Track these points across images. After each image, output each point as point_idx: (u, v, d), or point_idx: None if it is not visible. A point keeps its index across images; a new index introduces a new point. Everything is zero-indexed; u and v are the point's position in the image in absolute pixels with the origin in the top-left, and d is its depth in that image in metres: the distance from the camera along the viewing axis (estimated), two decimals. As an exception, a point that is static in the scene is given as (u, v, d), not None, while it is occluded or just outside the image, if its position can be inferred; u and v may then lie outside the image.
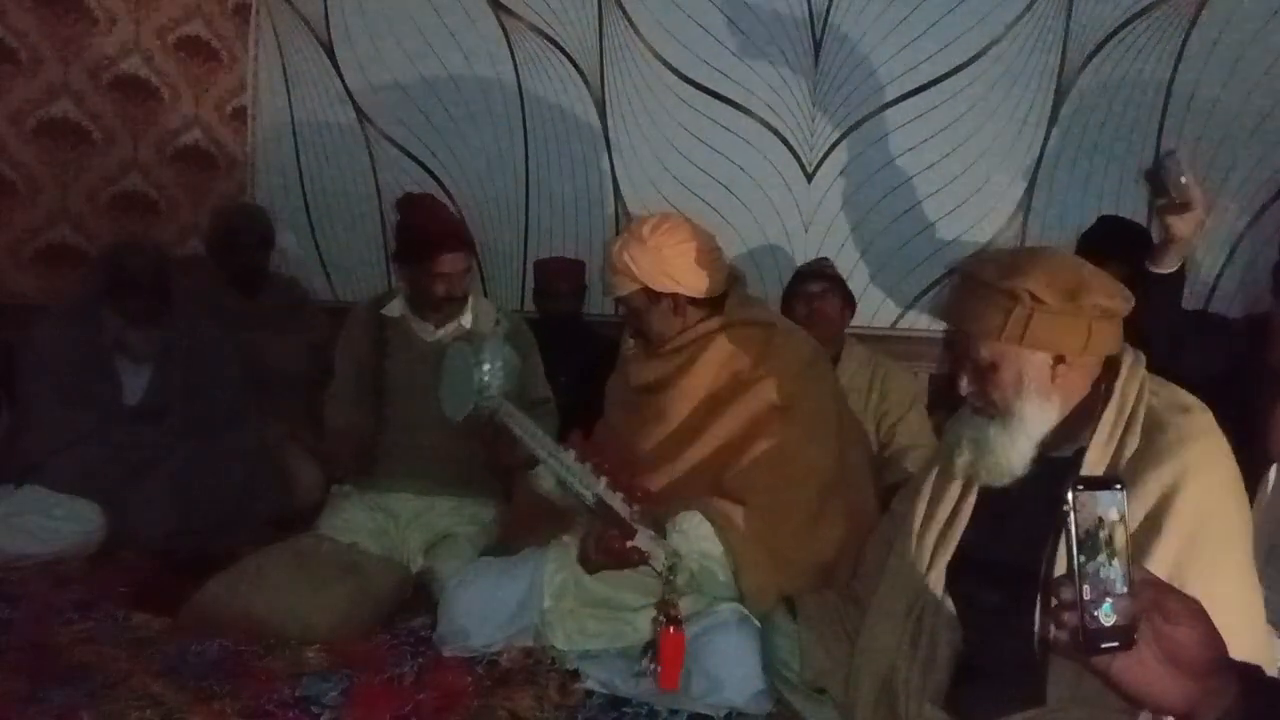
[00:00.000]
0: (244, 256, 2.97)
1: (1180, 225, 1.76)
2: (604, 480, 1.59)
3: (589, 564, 1.65)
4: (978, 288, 1.29)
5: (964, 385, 1.32)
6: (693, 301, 1.81)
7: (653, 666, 1.54)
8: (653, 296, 1.80)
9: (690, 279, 1.79)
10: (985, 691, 1.25)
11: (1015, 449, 1.28)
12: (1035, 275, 1.25)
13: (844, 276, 2.71)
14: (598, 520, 1.60)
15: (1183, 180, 1.74)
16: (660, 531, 1.61)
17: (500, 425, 1.77)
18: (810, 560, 1.67)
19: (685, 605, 1.66)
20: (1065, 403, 1.28)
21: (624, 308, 1.88)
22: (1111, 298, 1.27)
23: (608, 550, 1.57)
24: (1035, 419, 1.27)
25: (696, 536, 1.64)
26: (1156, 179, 1.79)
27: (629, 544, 1.55)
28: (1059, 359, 1.27)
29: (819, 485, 1.71)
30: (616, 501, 1.56)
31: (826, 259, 2.81)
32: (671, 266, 1.77)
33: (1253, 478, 1.32)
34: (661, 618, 1.53)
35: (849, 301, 2.62)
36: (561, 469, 1.64)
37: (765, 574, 1.64)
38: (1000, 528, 1.32)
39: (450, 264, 2.18)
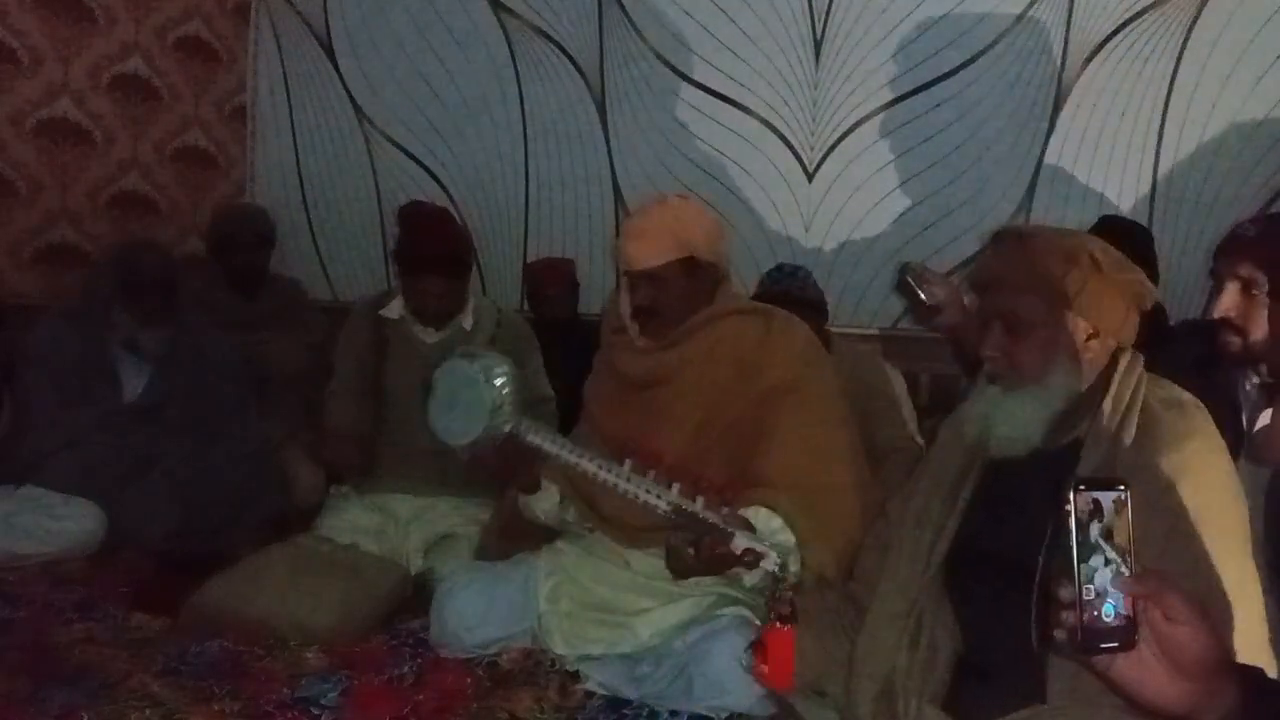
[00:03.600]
0: (243, 256, 2.96)
1: (947, 318, 1.93)
2: (676, 487, 1.49)
3: (681, 571, 1.55)
4: (1036, 245, 1.27)
5: (990, 345, 1.29)
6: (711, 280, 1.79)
7: (762, 666, 1.42)
8: (691, 268, 1.73)
9: (727, 252, 1.78)
10: (985, 690, 1.25)
11: (1033, 419, 1.26)
12: (1094, 241, 1.26)
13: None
14: (682, 529, 1.49)
15: (923, 288, 1.90)
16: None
17: (524, 444, 1.62)
18: (847, 538, 1.63)
19: (690, 608, 1.65)
20: (1084, 382, 1.27)
21: (642, 282, 1.75)
22: (1148, 282, 1.30)
23: (712, 559, 1.46)
24: (1058, 389, 1.26)
25: (769, 530, 1.57)
26: (904, 293, 1.94)
27: (733, 547, 1.44)
28: (1094, 333, 1.27)
29: (841, 463, 1.70)
30: (698, 507, 1.46)
31: (804, 270, 2.62)
32: (713, 236, 1.75)
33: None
34: (774, 616, 1.41)
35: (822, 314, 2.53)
36: (620, 481, 1.52)
37: (825, 553, 1.60)
38: (997, 522, 1.31)
39: (435, 285, 2.18)
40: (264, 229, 3.06)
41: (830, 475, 1.68)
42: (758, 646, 1.43)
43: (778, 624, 1.40)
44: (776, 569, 1.46)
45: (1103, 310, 1.26)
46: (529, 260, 3.27)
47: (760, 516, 1.60)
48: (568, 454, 1.59)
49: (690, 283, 1.76)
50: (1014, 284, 1.28)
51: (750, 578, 1.52)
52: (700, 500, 1.49)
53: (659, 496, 1.49)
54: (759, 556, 1.45)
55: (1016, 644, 1.21)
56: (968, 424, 1.32)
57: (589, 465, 1.56)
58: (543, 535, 1.85)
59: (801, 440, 1.68)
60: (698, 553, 1.47)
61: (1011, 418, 1.26)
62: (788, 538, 1.59)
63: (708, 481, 1.55)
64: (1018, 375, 1.27)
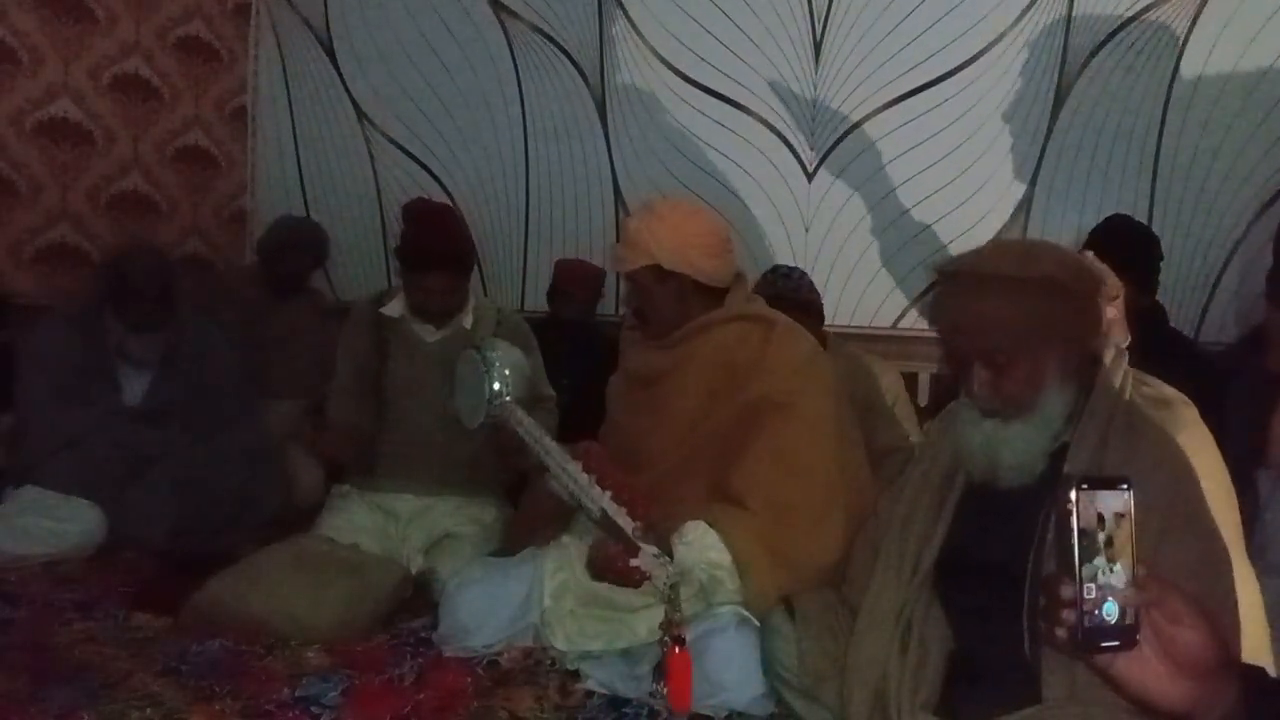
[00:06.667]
0: (294, 267, 3.09)
1: None
2: (608, 494, 1.57)
3: (594, 579, 1.64)
4: (998, 287, 1.23)
5: (976, 385, 1.26)
6: (698, 289, 1.80)
7: (663, 688, 1.51)
8: (661, 276, 1.77)
9: (701, 263, 1.77)
10: (980, 693, 1.24)
11: (1035, 445, 1.24)
12: (1051, 262, 1.24)
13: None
14: (604, 534, 1.58)
15: None
16: (665, 546, 1.60)
17: (511, 432, 1.76)
18: (814, 561, 1.65)
19: (685, 609, 1.65)
20: (1076, 392, 1.25)
21: (628, 285, 1.85)
22: (1116, 282, 1.28)
23: (610, 569, 1.56)
24: (1053, 411, 1.24)
25: (702, 546, 1.62)
26: None
27: (631, 563, 1.53)
28: (1074, 346, 1.25)
29: (821, 484, 1.69)
30: (621, 517, 1.54)
31: (800, 272, 2.63)
32: (686, 247, 1.76)
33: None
34: (666, 639, 1.48)
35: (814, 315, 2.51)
36: (568, 480, 1.62)
37: (768, 578, 1.62)
38: (986, 525, 1.30)
39: (437, 281, 2.18)
40: (316, 249, 3.19)
41: (803, 495, 1.67)
42: (658, 670, 1.50)
43: (674, 648, 1.46)
44: (665, 590, 1.51)
45: (1077, 325, 1.24)
46: (557, 258, 3.24)
47: (697, 532, 1.62)
48: (536, 446, 1.70)
49: (664, 289, 1.79)
50: (984, 327, 1.24)
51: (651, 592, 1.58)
52: (623, 511, 1.55)
53: (593, 501, 1.57)
54: (645, 576, 1.53)
55: (1008, 648, 1.20)
56: (969, 459, 1.30)
57: (547, 459, 1.68)
58: (558, 524, 1.85)
59: (778, 456, 1.68)
60: (601, 561, 1.55)
61: (1014, 448, 1.24)
62: (719, 555, 1.61)
63: (641, 494, 1.58)
64: (1011, 407, 1.25)
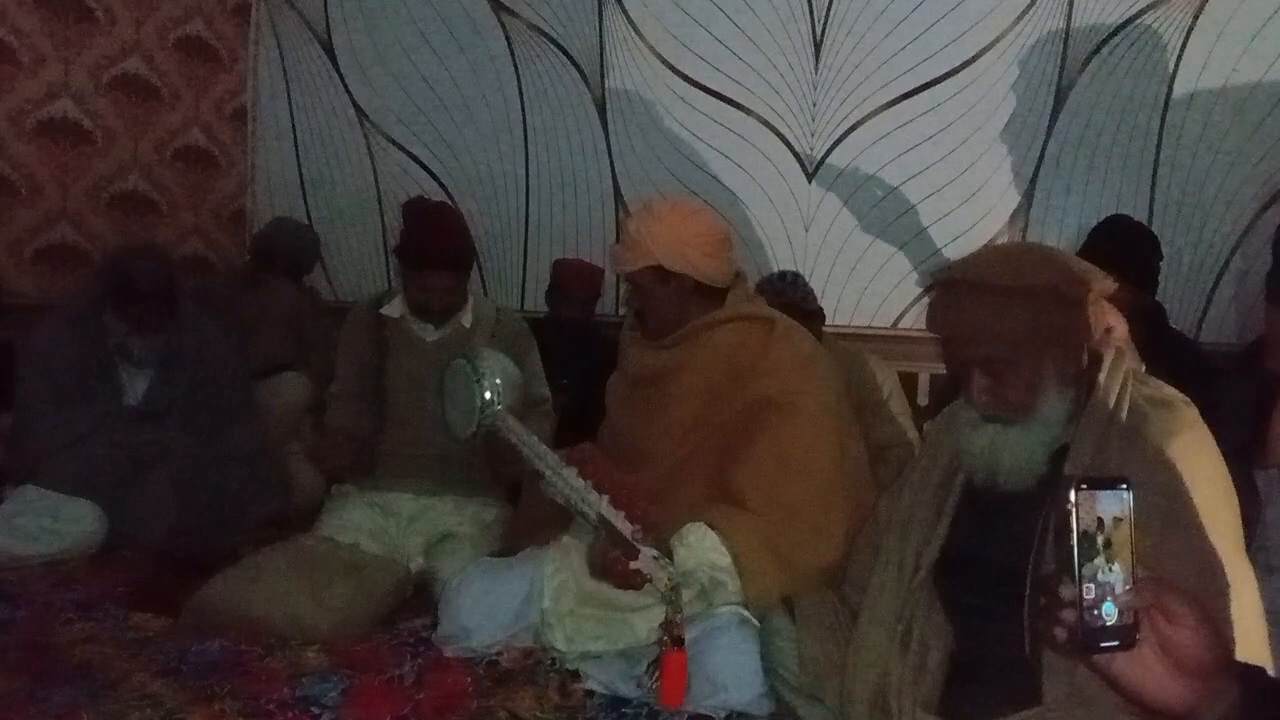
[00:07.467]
0: (282, 269, 3.12)
1: None
2: (605, 499, 1.57)
3: (596, 578, 1.64)
4: (995, 296, 1.24)
5: (976, 391, 1.26)
6: (698, 289, 1.80)
7: (655, 684, 1.52)
8: (662, 276, 1.77)
9: (702, 263, 1.77)
10: (980, 693, 1.24)
11: (1036, 448, 1.25)
12: (1045, 269, 1.24)
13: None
14: (603, 537, 1.59)
15: None
16: (664, 548, 1.60)
17: (504, 440, 1.76)
18: (815, 561, 1.66)
19: (686, 611, 1.66)
20: (1076, 394, 1.26)
21: (629, 286, 1.85)
22: (1108, 279, 1.28)
23: (610, 572, 1.56)
24: (1053, 414, 1.25)
25: (702, 548, 1.62)
26: None
27: (631, 566, 1.53)
28: (1072, 350, 1.25)
29: (822, 484, 1.70)
30: (619, 521, 1.55)
31: (803, 279, 2.65)
32: (686, 247, 1.76)
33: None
34: (665, 638, 1.49)
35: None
36: (564, 485, 1.62)
37: (769, 578, 1.63)
38: (987, 525, 1.30)
39: (438, 279, 2.18)
40: (304, 252, 3.24)
41: (803, 495, 1.67)
42: (654, 665, 1.51)
43: (670, 646, 1.46)
44: (667, 590, 1.51)
45: (1073, 329, 1.24)
46: (556, 258, 3.25)
47: (697, 534, 1.63)
48: (530, 453, 1.69)
49: (665, 290, 1.79)
50: (981, 337, 1.25)
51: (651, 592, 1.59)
52: (621, 515, 1.55)
53: (590, 506, 1.57)
54: (645, 578, 1.53)
55: (1009, 648, 1.20)
56: (970, 463, 1.31)
57: (540, 466, 1.67)
58: (558, 524, 1.85)
59: (778, 455, 1.68)
60: (601, 564, 1.56)
61: (1014, 453, 1.25)
62: (719, 557, 1.62)
63: (639, 495, 1.58)
64: (1012, 411, 1.25)
